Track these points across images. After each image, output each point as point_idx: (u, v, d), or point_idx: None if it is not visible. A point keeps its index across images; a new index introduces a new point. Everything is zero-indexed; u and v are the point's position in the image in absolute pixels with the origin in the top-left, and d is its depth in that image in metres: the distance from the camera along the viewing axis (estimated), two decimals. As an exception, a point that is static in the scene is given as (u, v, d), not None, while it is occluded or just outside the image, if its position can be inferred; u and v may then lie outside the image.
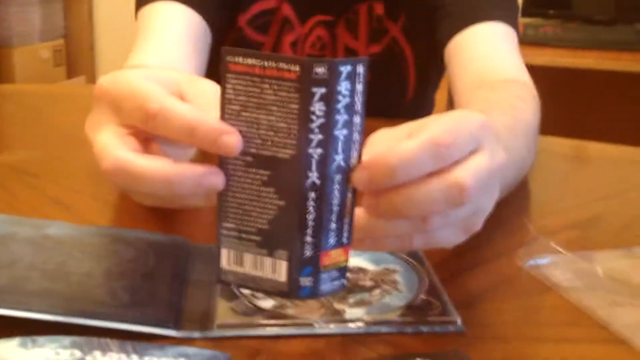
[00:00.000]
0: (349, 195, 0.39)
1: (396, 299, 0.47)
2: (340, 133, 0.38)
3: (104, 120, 0.44)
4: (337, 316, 0.44)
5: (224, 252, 0.41)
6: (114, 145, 0.42)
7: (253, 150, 0.39)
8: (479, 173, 0.39)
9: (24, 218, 0.55)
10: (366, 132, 0.40)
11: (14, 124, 0.94)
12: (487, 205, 0.43)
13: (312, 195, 0.38)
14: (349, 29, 0.89)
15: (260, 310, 0.44)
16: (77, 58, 2.97)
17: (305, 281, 0.39)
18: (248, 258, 0.40)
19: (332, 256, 0.40)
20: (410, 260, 0.52)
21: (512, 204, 0.64)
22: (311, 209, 0.38)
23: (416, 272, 0.50)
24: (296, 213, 0.38)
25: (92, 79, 2.96)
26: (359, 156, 0.39)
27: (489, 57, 0.78)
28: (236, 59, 0.38)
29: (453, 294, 0.47)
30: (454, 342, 0.43)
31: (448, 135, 0.38)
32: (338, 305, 0.45)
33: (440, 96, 1.07)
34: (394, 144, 0.39)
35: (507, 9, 0.83)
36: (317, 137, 0.37)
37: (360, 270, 0.50)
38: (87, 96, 0.49)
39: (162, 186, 0.40)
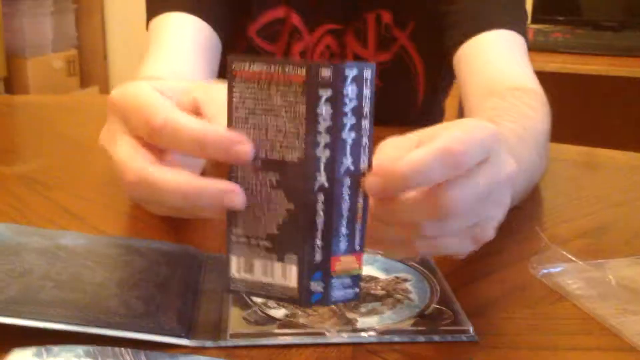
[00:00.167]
0: (360, 200, 0.39)
1: (408, 308, 0.47)
2: (349, 136, 0.38)
3: (117, 131, 0.44)
4: (349, 325, 0.44)
5: (233, 260, 0.41)
6: (133, 158, 0.42)
7: (262, 155, 0.39)
8: (468, 190, 0.39)
9: (37, 228, 0.56)
10: (376, 140, 0.40)
11: (26, 135, 0.95)
12: (497, 214, 0.43)
13: (321, 197, 0.38)
14: (357, 37, 0.90)
15: (272, 320, 0.45)
16: (89, 68, 3.00)
17: (316, 287, 0.39)
18: (258, 264, 0.40)
19: (344, 262, 0.40)
20: (422, 269, 0.52)
21: (524, 212, 0.64)
22: (320, 212, 0.38)
23: (428, 280, 0.50)
24: (305, 216, 0.38)
25: (105, 89, 2.98)
26: (369, 161, 0.39)
27: (498, 65, 0.78)
28: (242, 66, 0.39)
29: (465, 302, 0.47)
30: (466, 351, 0.43)
31: (460, 144, 0.38)
32: (350, 315, 0.45)
33: (450, 103, 1.07)
34: (405, 152, 0.39)
35: (516, 16, 0.83)
36: (324, 139, 0.37)
37: (372, 279, 0.50)
38: (99, 106, 0.50)
39: (183, 199, 0.40)
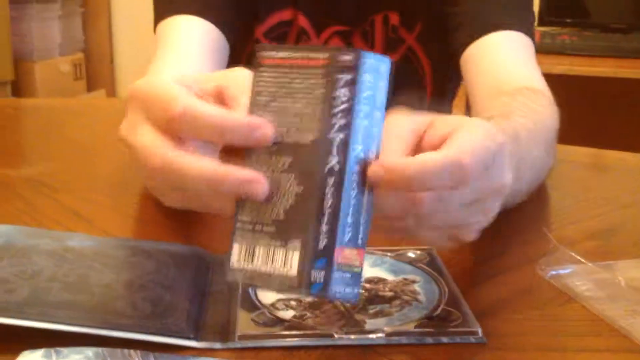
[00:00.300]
0: (366, 193, 0.39)
1: (416, 310, 0.46)
2: (362, 123, 0.39)
3: (138, 121, 0.45)
4: (357, 327, 0.44)
5: (235, 248, 0.41)
6: (157, 145, 0.42)
7: (278, 139, 0.40)
8: (455, 198, 0.40)
9: (44, 230, 0.56)
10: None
11: (34, 138, 0.95)
12: (481, 220, 0.44)
13: (331, 180, 0.38)
14: (364, 39, 0.90)
15: (280, 321, 0.45)
16: (96, 71, 3.00)
17: (317, 275, 0.38)
18: (259, 251, 0.40)
19: (347, 255, 0.39)
20: (430, 270, 0.52)
21: (532, 213, 0.64)
22: (329, 195, 0.38)
23: (436, 282, 0.50)
24: (314, 199, 0.38)
25: (111, 92, 2.99)
26: (377, 153, 0.40)
27: (506, 66, 0.78)
28: (269, 53, 0.40)
29: (473, 304, 0.47)
30: (474, 352, 0.43)
31: (471, 158, 0.39)
32: (358, 316, 0.45)
33: (457, 104, 1.07)
34: (406, 143, 0.40)
35: (523, 17, 0.83)
36: (339, 121, 0.38)
37: (380, 280, 0.50)
38: (106, 109, 0.50)
39: (207, 185, 0.40)
